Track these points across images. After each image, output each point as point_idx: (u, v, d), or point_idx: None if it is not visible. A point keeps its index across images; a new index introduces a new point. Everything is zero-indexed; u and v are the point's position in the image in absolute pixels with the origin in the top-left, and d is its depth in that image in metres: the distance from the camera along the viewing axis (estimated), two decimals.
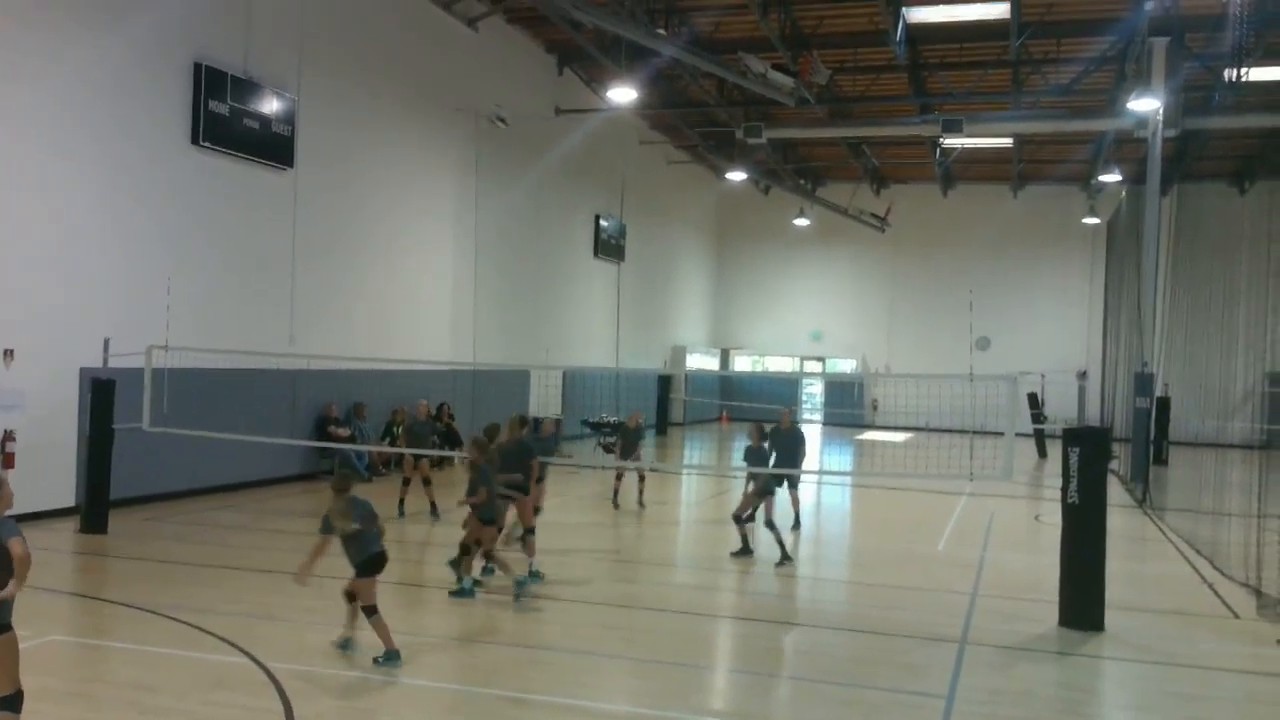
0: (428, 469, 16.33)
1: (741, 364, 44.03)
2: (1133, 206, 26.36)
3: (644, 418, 18.05)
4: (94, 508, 13.63)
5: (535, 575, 11.29)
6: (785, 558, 12.87)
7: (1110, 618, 10.17)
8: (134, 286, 15.58)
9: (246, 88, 17.48)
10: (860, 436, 35.81)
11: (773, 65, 23.19)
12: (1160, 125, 22.13)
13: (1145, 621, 10.77)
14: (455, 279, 24.15)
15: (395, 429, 20.34)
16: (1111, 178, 33.09)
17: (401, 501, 15.73)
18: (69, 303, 14.66)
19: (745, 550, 13.22)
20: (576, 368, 29.47)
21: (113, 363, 14.11)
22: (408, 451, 16.10)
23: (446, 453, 19.47)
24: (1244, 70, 21.70)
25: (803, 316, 43.58)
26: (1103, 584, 10.19)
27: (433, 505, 15.66)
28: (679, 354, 39.69)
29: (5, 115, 13.74)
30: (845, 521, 14.94)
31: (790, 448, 14.89)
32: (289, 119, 18.47)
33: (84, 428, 14.11)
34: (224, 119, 17.04)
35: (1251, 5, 19.97)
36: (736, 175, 35.63)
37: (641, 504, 17.33)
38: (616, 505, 17.22)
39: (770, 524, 12.93)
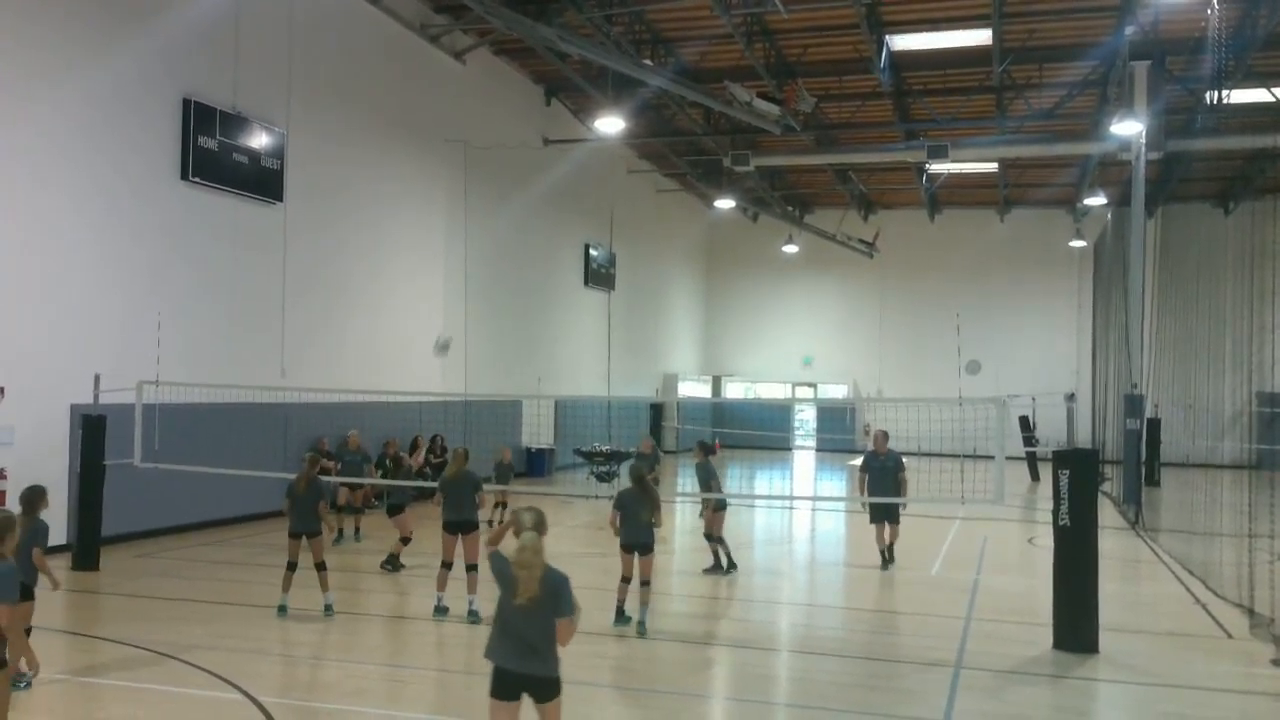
0: (358, 499, 16.97)
1: (733, 391, 44.06)
2: (1118, 229, 26.57)
3: (655, 445, 18.04)
4: (86, 545, 13.57)
5: (473, 615, 11.08)
6: (731, 566, 14.13)
7: (1104, 640, 10.18)
8: (124, 322, 15.58)
9: (235, 123, 17.56)
10: (853, 462, 35.79)
11: (758, 94, 23.37)
12: (1143, 148, 22.34)
13: (1139, 643, 10.78)
14: (446, 310, 24.19)
15: (388, 461, 20.28)
16: (1097, 200, 33.32)
17: (341, 532, 16.31)
18: (59, 339, 14.65)
19: (717, 567, 14.09)
20: (568, 397, 29.48)
21: (104, 399, 14.10)
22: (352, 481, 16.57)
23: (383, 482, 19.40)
24: (1225, 93, 22.00)
25: (793, 343, 43.69)
26: (1096, 606, 10.21)
27: (351, 530, 16.52)
28: (670, 382, 39.74)
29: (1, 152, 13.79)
30: (839, 546, 14.94)
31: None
32: (278, 153, 18.54)
33: (75, 464, 14.07)
34: (213, 154, 17.10)
35: (1230, 29, 20.27)
36: (725, 203, 35.81)
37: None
38: None
39: (715, 537, 14.19)
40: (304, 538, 11.27)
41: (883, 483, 14.81)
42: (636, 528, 10.75)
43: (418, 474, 20.70)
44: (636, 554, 10.76)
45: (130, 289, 15.83)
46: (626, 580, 10.85)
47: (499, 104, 26.46)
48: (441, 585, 11.27)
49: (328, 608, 11.22)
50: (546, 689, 5.66)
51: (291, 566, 11.29)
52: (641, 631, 10.46)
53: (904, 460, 15.15)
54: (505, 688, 5.66)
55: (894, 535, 15.06)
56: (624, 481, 17.22)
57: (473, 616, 11.04)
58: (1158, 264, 36.40)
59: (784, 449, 40.44)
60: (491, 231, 26.05)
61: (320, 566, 11.24)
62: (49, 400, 14.50)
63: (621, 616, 10.81)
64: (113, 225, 15.61)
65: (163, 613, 11.18)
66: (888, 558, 14.91)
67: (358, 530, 16.61)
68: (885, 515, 14.93)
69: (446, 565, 11.29)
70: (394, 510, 14.65)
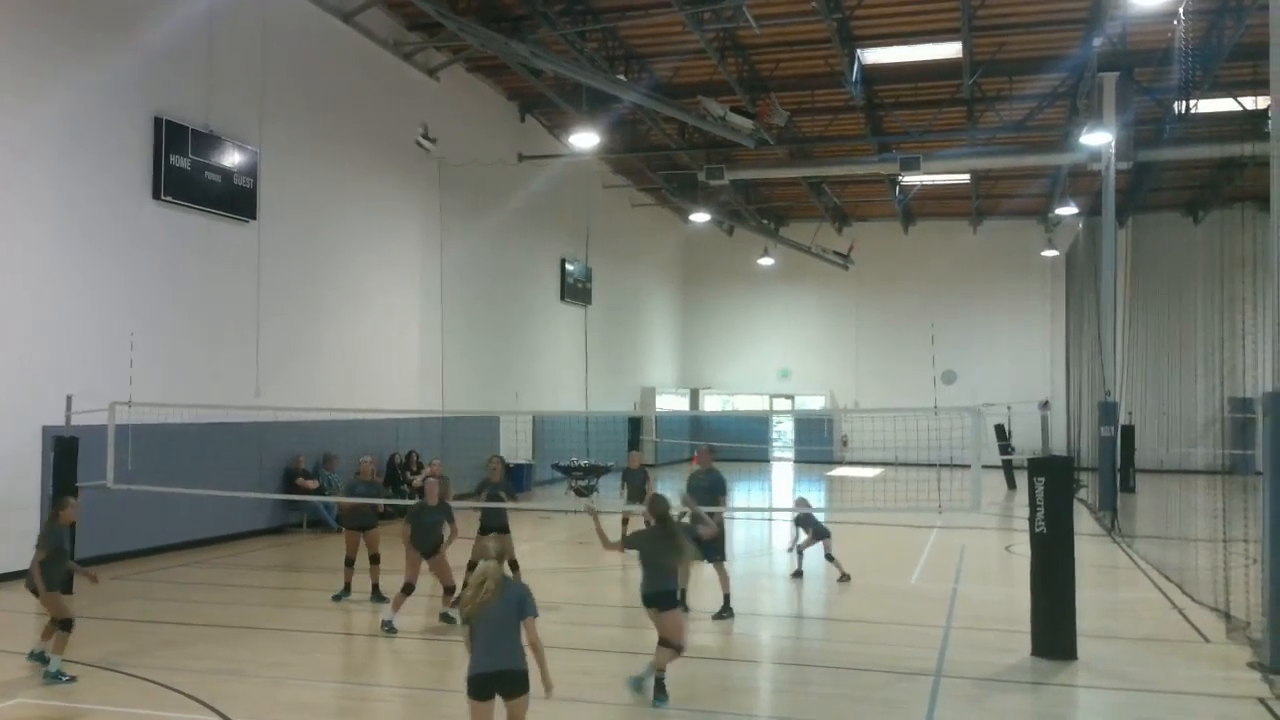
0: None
1: (711, 404, 44.10)
2: (1089, 238, 26.82)
3: (643, 458, 17.87)
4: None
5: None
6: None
7: (1082, 646, 10.22)
8: (96, 343, 15.44)
9: (208, 141, 17.48)
10: (831, 473, 35.91)
11: (732, 108, 23.49)
12: (1113, 158, 22.60)
13: (1117, 649, 10.84)
14: (422, 326, 24.13)
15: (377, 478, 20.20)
16: (1068, 210, 33.65)
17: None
18: (30, 360, 14.50)
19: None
20: (546, 412, 29.42)
21: (76, 420, 13.95)
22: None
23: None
24: (1192, 103, 22.27)
25: (770, 355, 43.80)
26: (1074, 613, 10.25)
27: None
28: (648, 395, 39.73)
29: None
30: (817, 557, 14.94)
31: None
32: (251, 171, 18.47)
33: (47, 487, 13.89)
34: (185, 173, 17.01)
35: (1197, 40, 20.54)
36: (700, 217, 35.91)
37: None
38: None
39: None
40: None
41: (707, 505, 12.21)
42: (657, 575, 8.83)
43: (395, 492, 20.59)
44: (653, 608, 8.84)
45: (102, 309, 15.69)
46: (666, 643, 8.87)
47: (474, 120, 26.46)
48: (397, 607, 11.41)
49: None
50: (514, 683, 6.30)
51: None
52: (636, 686, 8.85)
53: (726, 483, 13.04)
54: (479, 688, 6.31)
55: (724, 579, 12.34)
56: (606, 496, 17.16)
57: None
58: (1129, 272, 36.79)
59: (762, 460, 40.47)
60: (467, 247, 26.01)
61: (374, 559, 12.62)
62: (20, 422, 14.33)
63: (661, 691, 8.73)
64: (84, 245, 15.48)
65: (137, 635, 11.06)
66: (724, 607, 12.25)
67: (377, 589, 13.33)
68: (708, 553, 12.02)
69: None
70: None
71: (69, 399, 14.01)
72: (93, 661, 9.83)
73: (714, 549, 12.08)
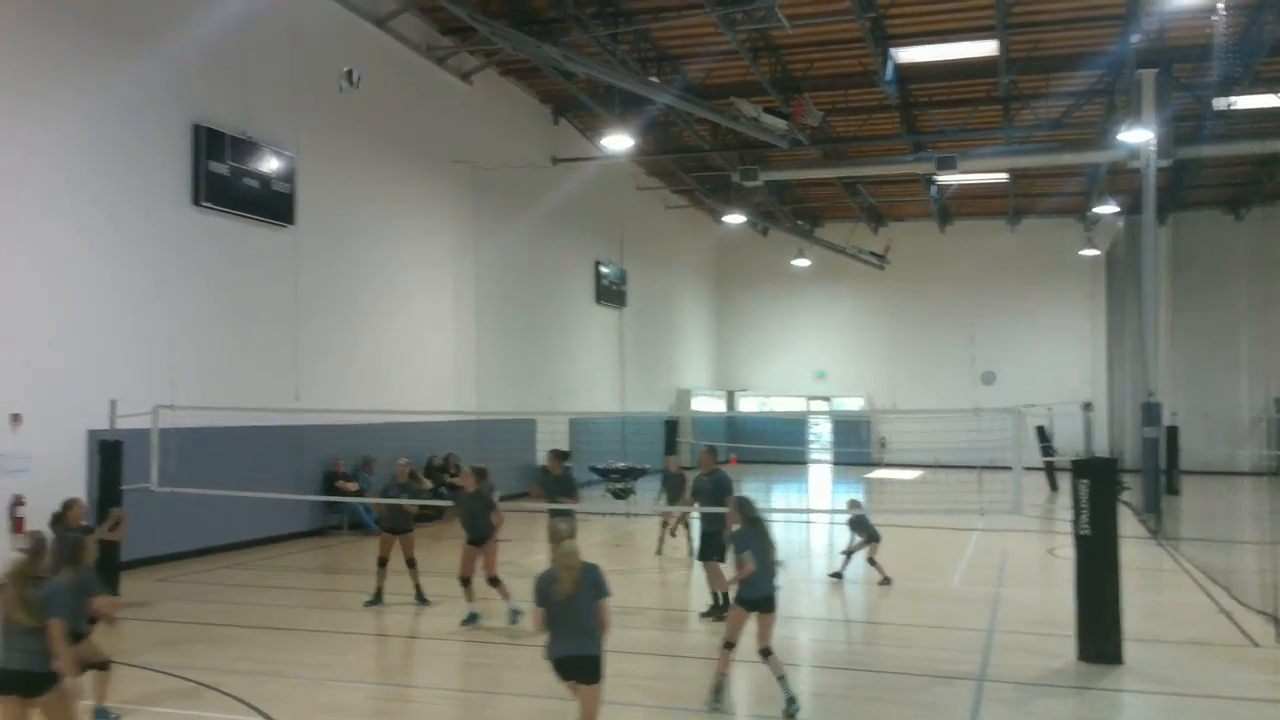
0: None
1: (747, 405, 43.98)
2: (1130, 237, 26.55)
3: (679, 462, 17.84)
4: (104, 570, 13.47)
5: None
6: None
7: (1128, 650, 10.08)
8: (139, 348, 15.64)
9: (245, 147, 17.66)
10: (869, 475, 35.68)
11: (765, 109, 23.41)
12: (1153, 155, 22.28)
13: (1163, 653, 10.69)
14: (457, 330, 24.23)
15: (414, 481, 20.31)
16: (1107, 209, 33.23)
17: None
18: (75, 366, 14.71)
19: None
20: (582, 414, 29.45)
21: (120, 424, 14.11)
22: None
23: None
24: (1233, 99, 21.96)
25: (806, 356, 43.60)
26: (1119, 616, 10.11)
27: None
28: (684, 397, 39.67)
29: (4, 181, 13.86)
30: (857, 560, 14.84)
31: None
32: (288, 177, 18.63)
33: (93, 490, 14.08)
34: (224, 179, 17.19)
35: (1236, 35, 20.25)
36: (734, 218, 35.82)
37: (659, 551, 17.24)
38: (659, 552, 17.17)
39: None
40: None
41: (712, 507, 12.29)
42: (763, 576, 8.54)
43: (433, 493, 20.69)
44: (759, 612, 8.53)
45: (144, 315, 15.89)
46: (732, 646, 8.69)
47: (506, 124, 26.56)
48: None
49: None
50: (591, 669, 6.61)
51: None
52: (795, 708, 8.36)
53: (731, 483, 12.54)
54: (563, 672, 6.66)
55: (720, 578, 12.16)
56: (643, 498, 17.14)
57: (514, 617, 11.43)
58: (1171, 271, 36.37)
59: (799, 463, 40.32)
60: (501, 251, 26.11)
61: (411, 563, 12.74)
62: (66, 427, 14.54)
63: (717, 695, 8.65)
64: (126, 252, 15.69)
65: (181, 636, 11.17)
66: (718, 603, 12.27)
67: (420, 591, 13.19)
68: (711, 551, 12.43)
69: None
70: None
71: (113, 403, 14.17)
72: (137, 662, 9.93)
73: (716, 547, 12.08)
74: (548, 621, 6.62)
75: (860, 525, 14.96)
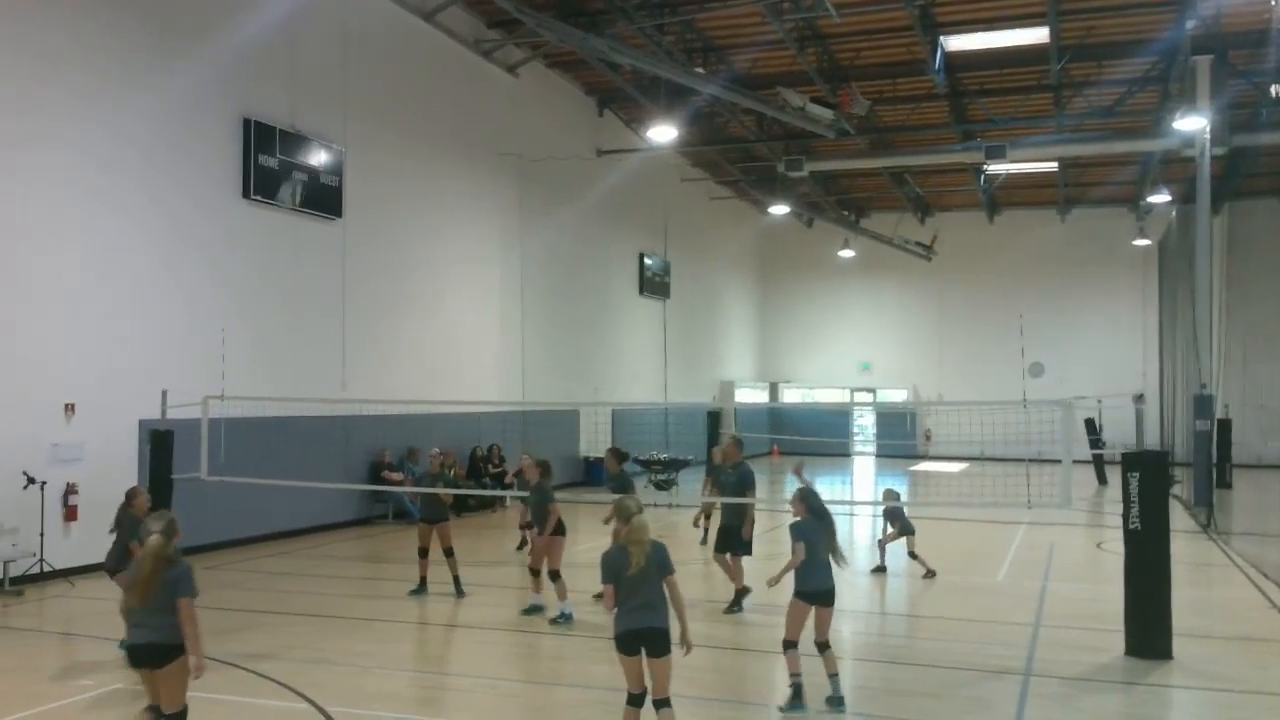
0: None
1: (791, 397, 43.81)
2: (1183, 226, 26.03)
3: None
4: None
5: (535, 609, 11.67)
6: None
7: (1178, 645, 9.93)
8: (190, 339, 15.89)
9: (294, 141, 17.85)
10: (914, 468, 35.43)
11: (812, 99, 23.27)
12: (1208, 144, 21.87)
13: (1214, 649, 10.52)
14: (502, 321, 24.36)
15: (448, 471, 20.48)
16: (1160, 198, 32.67)
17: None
18: (127, 356, 14.97)
19: None
20: (625, 405, 29.50)
21: (170, 414, 14.36)
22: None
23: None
24: None
25: (851, 348, 43.34)
26: (1169, 611, 9.96)
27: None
28: (727, 389, 39.60)
29: (56, 175, 14.13)
30: (902, 553, 14.75)
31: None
32: (337, 170, 18.81)
33: (144, 479, 14.33)
34: (273, 172, 17.40)
35: None
36: (779, 209, 35.67)
37: (704, 541, 17.20)
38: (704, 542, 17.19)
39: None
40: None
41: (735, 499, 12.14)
42: (823, 569, 8.42)
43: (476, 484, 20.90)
44: (818, 605, 8.39)
45: (195, 306, 16.14)
46: (793, 644, 8.37)
47: (552, 116, 26.62)
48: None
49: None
50: (661, 641, 6.69)
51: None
52: (841, 708, 8.28)
53: (754, 477, 12.49)
54: (629, 644, 6.72)
55: (738, 572, 12.18)
56: (683, 490, 17.08)
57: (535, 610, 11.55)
58: (1225, 261, 35.69)
59: (843, 455, 40.12)
60: (546, 242, 26.19)
61: (448, 553, 12.78)
62: (118, 416, 14.81)
63: (797, 698, 8.26)
64: (177, 244, 15.93)
65: (230, 623, 11.33)
66: (735, 601, 12.14)
67: (458, 581, 13.14)
68: (729, 545, 12.29)
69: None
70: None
71: (164, 394, 14.42)
72: None
73: (741, 542, 12.04)
74: (618, 597, 6.77)
75: (894, 516, 14.85)
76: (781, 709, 8.22)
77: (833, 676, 8.33)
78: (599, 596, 8.06)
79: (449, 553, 13.01)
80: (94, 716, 8.40)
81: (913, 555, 14.58)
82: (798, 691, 8.19)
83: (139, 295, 15.28)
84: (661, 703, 6.69)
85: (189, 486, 14.20)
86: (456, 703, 8.81)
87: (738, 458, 12.67)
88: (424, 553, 13.16)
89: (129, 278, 15.14)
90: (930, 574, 14.30)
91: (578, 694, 8.95)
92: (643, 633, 6.68)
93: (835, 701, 8.25)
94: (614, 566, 6.80)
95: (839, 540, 8.60)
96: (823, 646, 8.36)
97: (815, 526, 8.49)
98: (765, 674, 9.91)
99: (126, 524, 10.00)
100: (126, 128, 15.11)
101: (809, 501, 8.63)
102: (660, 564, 6.87)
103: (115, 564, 9.93)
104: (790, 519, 8.73)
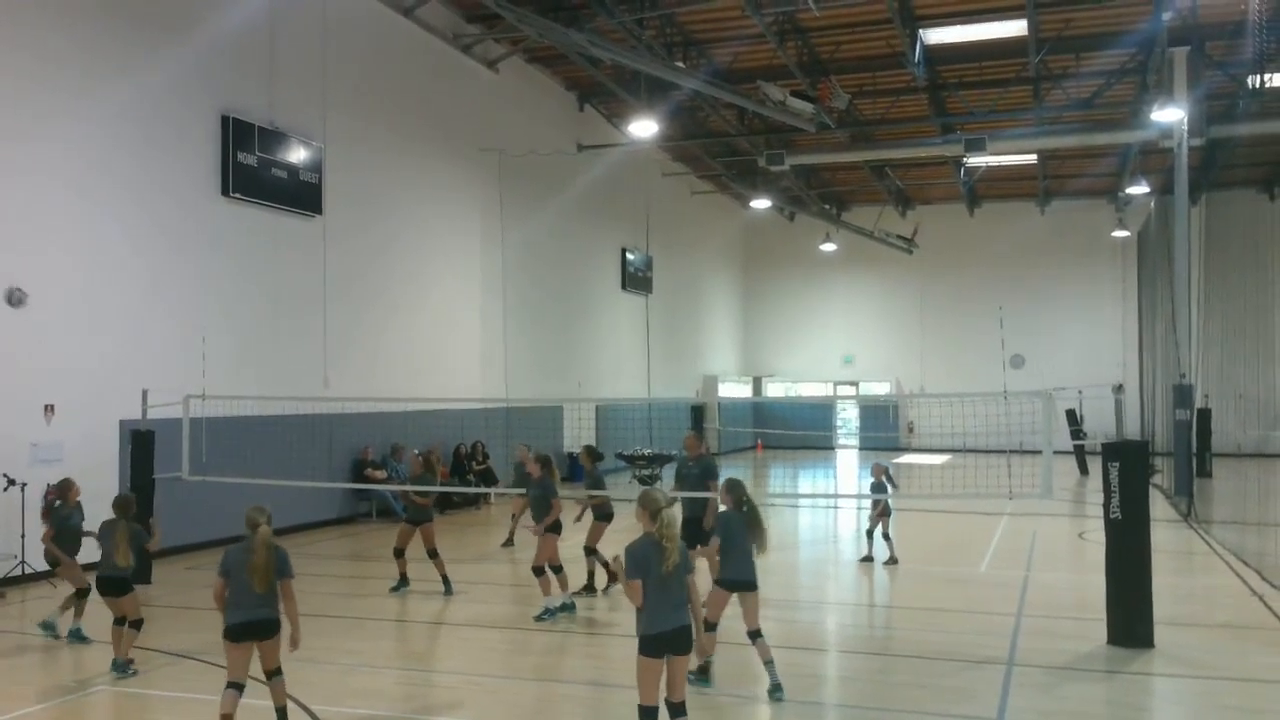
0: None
1: (774, 391, 43.90)
2: (1162, 217, 26.20)
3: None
4: (137, 559, 13.68)
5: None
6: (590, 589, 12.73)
7: (1159, 633, 10.01)
8: (170, 338, 15.80)
9: (273, 138, 17.76)
10: (898, 460, 35.55)
11: (792, 92, 23.29)
12: (1185, 135, 22.00)
13: (1195, 636, 10.61)
14: (484, 317, 24.31)
15: (432, 471, 20.49)
16: (1139, 189, 32.86)
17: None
18: (106, 356, 14.87)
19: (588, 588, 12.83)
20: (609, 400, 29.50)
21: (151, 413, 14.27)
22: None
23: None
24: (1267, 77, 21.60)
25: (834, 341, 43.48)
26: (1150, 599, 10.05)
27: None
28: (710, 383, 39.66)
29: (35, 172, 14.02)
30: (882, 544, 14.82)
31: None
32: (316, 167, 18.73)
33: (125, 479, 14.26)
34: (252, 170, 17.30)
35: (1271, 11, 19.91)
36: (761, 203, 35.71)
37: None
38: None
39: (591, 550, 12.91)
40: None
41: (698, 492, 11.99)
42: (743, 558, 8.59)
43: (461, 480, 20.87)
44: (739, 593, 8.61)
45: (175, 305, 16.04)
46: (713, 627, 8.71)
47: (533, 111, 26.57)
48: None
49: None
50: (687, 639, 6.51)
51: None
52: (780, 695, 8.41)
53: (717, 469, 12.31)
54: (659, 647, 6.42)
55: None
56: (667, 484, 17.09)
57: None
58: (1204, 252, 35.93)
59: (827, 448, 40.24)
60: (528, 238, 26.15)
61: (433, 554, 12.82)
62: (98, 416, 14.72)
63: (705, 675, 8.73)
64: (156, 242, 15.83)
65: (214, 623, 11.23)
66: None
67: (446, 580, 13.10)
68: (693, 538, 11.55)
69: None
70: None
71: (144, 393, 14.34)
72: (171, 649, 10.07)
73: (696, 533, 11.83)
74: (647, 594, 6.39)
75: (879, 491, 14.92)
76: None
77: (768, 664, 8.48)
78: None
79: (433, 554, 12.96)
80: (94, 714, 8.36)
81: (886, 537, 14.72)
82: (704, 669, 8.70)
83: (119, 294, 15.17)
84: (680, 709, 6.56)
85: (171, 486, 14.13)
86: (442, 699, 8.79)
87: (698, 450, 12.59)
88: (399, 553, 13.15)
89: (108, 276, 15.03)
90: (892, 560, 14.47)
91: (566, 689, 8.95)
92: (675, 633, 6.44)
93: (774, 689, 8.40)
94: (644, 562, 6.41)
95: (765, 531, 8.70)
96: (754, 635, 8.53)
97: (736, 517, 8.64)
98: (744, 664, 9.93)
99: (64, 513, 11.04)
100: (106, 125, 15.00)
101: (734, 493, 8.78)
102: (685, 560, 6.63)
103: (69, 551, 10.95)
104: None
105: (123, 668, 9.16)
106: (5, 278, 13.58)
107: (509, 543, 16.41)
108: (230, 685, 7.39)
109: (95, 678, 9.16)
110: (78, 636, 10.49)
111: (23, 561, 13.39)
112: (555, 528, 11.76)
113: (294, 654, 9.70)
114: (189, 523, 15.49)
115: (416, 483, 13.57)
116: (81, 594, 10.65)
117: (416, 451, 14.34)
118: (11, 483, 13.17)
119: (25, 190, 13.87)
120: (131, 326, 15.34)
